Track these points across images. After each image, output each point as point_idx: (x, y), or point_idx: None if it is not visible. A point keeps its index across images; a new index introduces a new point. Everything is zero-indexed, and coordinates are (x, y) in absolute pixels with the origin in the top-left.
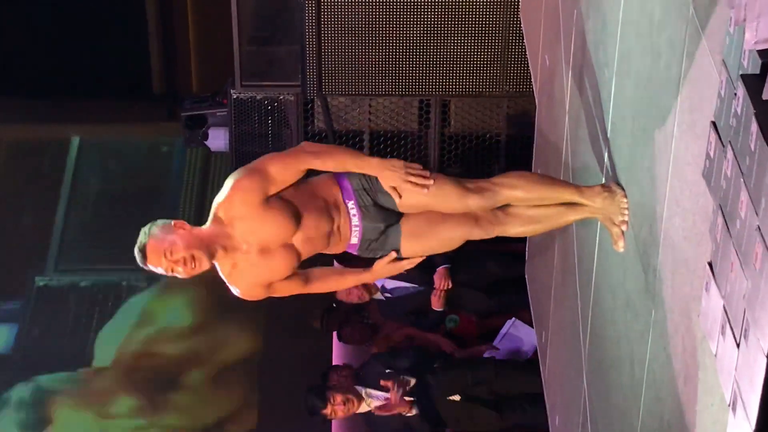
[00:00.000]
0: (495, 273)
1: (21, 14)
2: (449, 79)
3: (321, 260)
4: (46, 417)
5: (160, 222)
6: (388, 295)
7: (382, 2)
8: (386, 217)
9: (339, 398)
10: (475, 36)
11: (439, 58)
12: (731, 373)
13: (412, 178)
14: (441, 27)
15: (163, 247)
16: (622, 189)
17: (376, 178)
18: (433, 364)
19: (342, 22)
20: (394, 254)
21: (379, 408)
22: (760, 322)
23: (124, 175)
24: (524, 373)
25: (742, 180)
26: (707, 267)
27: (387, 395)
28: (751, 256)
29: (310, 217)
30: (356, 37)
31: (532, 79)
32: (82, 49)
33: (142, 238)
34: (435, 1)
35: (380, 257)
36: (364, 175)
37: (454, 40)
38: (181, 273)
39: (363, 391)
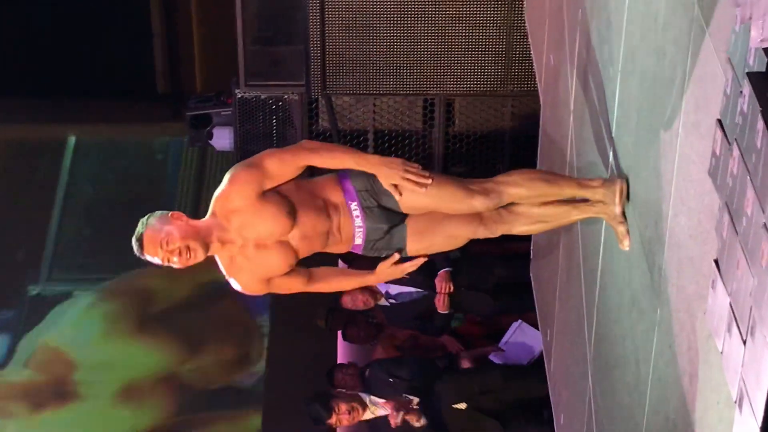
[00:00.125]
0: (499, 275)
1: (25, 14)
2: (453, 78)
3: (325, 260)
4: None
5: (158, 213)
6: (393, 300)
7: (386, 1)
8: (390, 218)
9: (344, 407)
10: (479, 35)
11: (444, 57)
12: (738, 370)
13: (411, 176)
14: (445, 26)
15: (159, 238)
16: (624, 180)
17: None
18: (437, 372)
19: (346, 21)
20: (397, 256)
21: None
22: (766, 319)
23: (119, 184)
24: (532, 381)
25: (748, 177)
26: (713, 265)
27: (388, 406)
28: (757, 254)
29: (307, 216)
30: (360, 36)
31: (537, 78)
32: (86, 48)
33: (139, 228)
34: (439, 1)
35: (385, 257)
36: (367, 177)
37: (458, 39)
38: (176, 263)
39: (367, 398)
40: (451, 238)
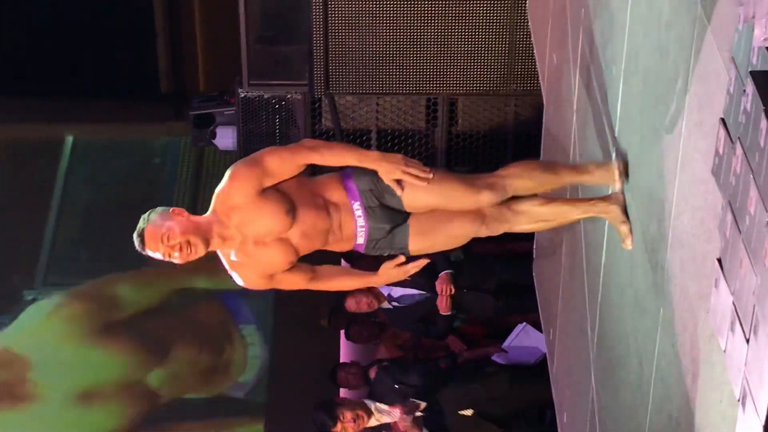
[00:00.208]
0: (501, 276)
1: (27, 13)
2: (457, 77)
3: (327, 259)
4: None
5: (159, 209)
6: (396, 303)
7: (389, 1)
8: (392, 217)
9: (349, 415)
10: (482, 34)
11: (447, 56)
12: (740, 368)
13: (411, 171)
14: (448, 25)
15: (160, 233)
16: (621, 160)
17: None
18: (443, 378)
19: (349, 20)
20: (403, 258)
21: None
22: None
23: (116, 186)
24: (538, 386)
25: (751, 176)
26: (716, 263)
27: (396, 411)
28: (760, 252)
29: (307, 214)
30: (363, 35)
31: (540, 78)
32: (89, 48)
33: (141, 224)
34: (442, 0)
35: (387, 255)
36: (371, 176)
37: (461, 38)
38: (177, 258)
39: (372, 405)
40: (453, 237)
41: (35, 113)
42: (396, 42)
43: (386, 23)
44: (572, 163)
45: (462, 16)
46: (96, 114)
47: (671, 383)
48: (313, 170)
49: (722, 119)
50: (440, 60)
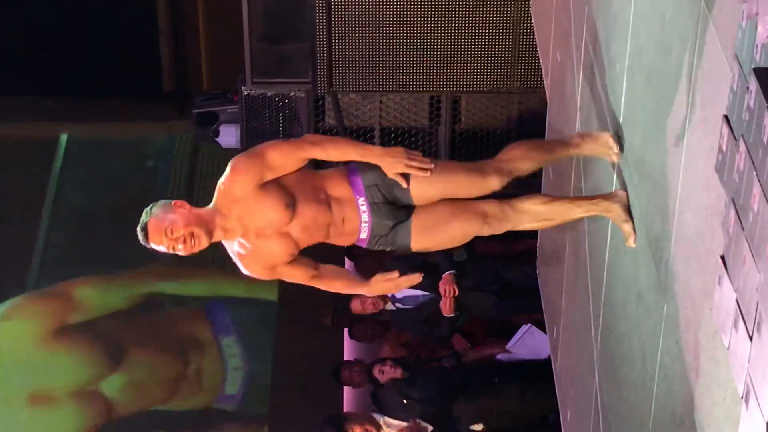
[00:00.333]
0: (505, 277)
1: (29, 12)
2: (460, 75)
3: (329, 257)
4: None
5: (161, 202)
6: (399, 304)
7: None
8: (396, 214)
9: (358, 430)
10: (486, 32)
11: (450, 54)
12: (744, 366)
13: (414, 163)
14: (452, 23)
15: (163, 226)
16: (608, 132)
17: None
18: (453, 393)
19: (352, 18)
20: (396, 273)
21: None
22: None
23: (109, 191)
24: (549, 398)
25: (754, 173)
26: (720, 261)
27: (405, 425)
28: (763, 249)
29: (307, 208)
30: (367, 33)
31: (543, 75)
32: (92, 47)
33: (143, 217)
34: None
35: (389, 251)
36: (378, 171)
37: (464, 36)
38: (181, 251)
39: (381, 419)
40: (455, 236)
41: (36, 112)
42: (399, 40)
43: (389, 21)
44: (563, 139)
45: (465, 14)
46: (98, 113)
47: (675, 380)
48: (317, 163)
49: (725, 116)
50: (443, 58)
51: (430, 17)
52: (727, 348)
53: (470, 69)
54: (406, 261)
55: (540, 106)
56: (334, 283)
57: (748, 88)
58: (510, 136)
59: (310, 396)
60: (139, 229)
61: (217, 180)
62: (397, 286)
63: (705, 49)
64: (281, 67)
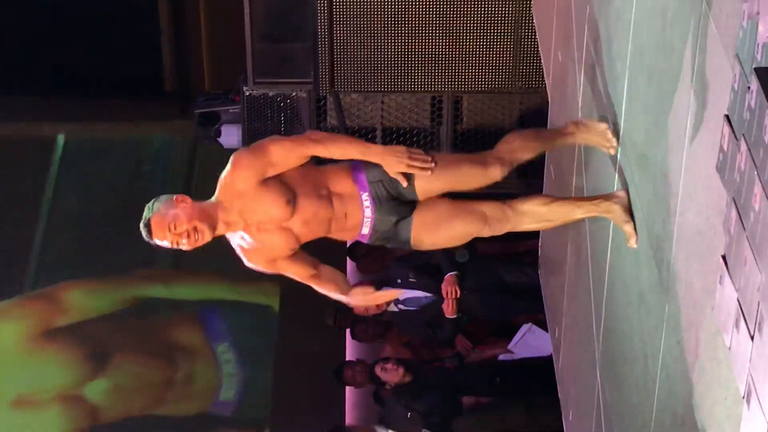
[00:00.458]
0: (507, 278)
1: (30, 12)
2: (461, 75)
3: (331, 255)
4: None
5: (162, 197)
6: (402, 306)
7: None
8: (400, 210)
9: None
10: (487, 32)
11: (452, 54)
12: (745, 365)
13: (415, 163)
14: (453, 23)
15: (167, 221)
16: (599, 121)
17: None
18: (456, 407)
19: (354, 18)
20: (371, 289)
21: None
22: None
23: (106, 193)
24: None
25: (756, 173)
26: (721, 260)
27: None
28: (765, 249)
29: (308, 203)
30: (368, 33)
31: (545, 75)
32: (93, 46)
33: (146, 213)
34: None
35: (390, 252)
36: (381, 166)
37: (466, 36)
38: (185, 245)
39: None
40: (455, 236)
41: (37, 112)
42: (401, 40)
43: (391, 21)
44: (558, 128)
45: (467, 14)
46: (98, 113)
47: (677, 380)
48: (321, 158)
49: (726, 116)
50: (445, 58)
51: (432, 17)
52: (729, 348)
53: (472, 69)
54: (408, 262)
55: (541, 106)
56: (328, 285)
57: (749, 87)
58: None
59: (312, 396)
60: (141, 225)
61: (215, 183)
62: (375, 299)
63: (706, 49)
64: (283, 67)
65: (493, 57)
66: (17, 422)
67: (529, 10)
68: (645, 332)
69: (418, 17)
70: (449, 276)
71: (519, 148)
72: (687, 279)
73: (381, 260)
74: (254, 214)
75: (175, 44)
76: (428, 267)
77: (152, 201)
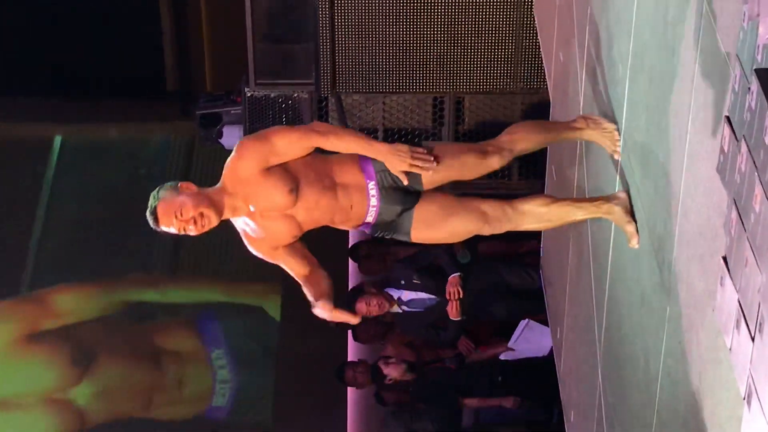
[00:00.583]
0: (509, 280)
1: (31, 13)
2: (463, 76)
3: (334, 259)
4: None
5: (167, 185)
6: (405, 307)
7: (396, 0)
8: (404, 200)
9: None
10: (489, 33)
11: (453, 55)
12: (746, 367)
13: (418, 162)
14: (455, 24)
15: (173, 208)
16: (609, 119)
17: None
18: (459, 426)
19: (356, 19)
20: (330, 307)
21: None
22: None
23: (101, 196)
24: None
25: (756, 174)
26: (722, 261)
27: None
28: (765, 250)
29: (311, 192)
30: (370, 34)
31: (546, 76)
32: (95, 47)
33: (152, 201)
34: None
35: (391, 239)
36: None
37: (468, 37)
38: (192, 231)
39: None
40: (455, 232)
41: (35, 112)
42: (402, 41)
43: (393, 22)
44: (566, 122)
45: (468, 15)
46: (100, 113)
47: (678, 381)
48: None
49: (727, 117)
50: (447, 59)
51: (433, 18)
52: (729, 349)
53: (473, 70)
54: (410, 263)
55: (543, 107)
56: (310, 287)
57: (749, 88)
58: None
59: (314, 399)
60: (148, 213)
61: (213, 184)
62: (335, 318)
63: (707, 50)
64: (284, 68)
65: (494, 58)
66: (2, 425)
67: (531, 11)
68: (646, 333)
69: (420, 18)
70: (452, 278)
71: (521, 139)
72: (688, 280)
73: (383, 262)
74: (258, 201)
75: (176, 45)
76: (432, 268)
77: (157, 189)
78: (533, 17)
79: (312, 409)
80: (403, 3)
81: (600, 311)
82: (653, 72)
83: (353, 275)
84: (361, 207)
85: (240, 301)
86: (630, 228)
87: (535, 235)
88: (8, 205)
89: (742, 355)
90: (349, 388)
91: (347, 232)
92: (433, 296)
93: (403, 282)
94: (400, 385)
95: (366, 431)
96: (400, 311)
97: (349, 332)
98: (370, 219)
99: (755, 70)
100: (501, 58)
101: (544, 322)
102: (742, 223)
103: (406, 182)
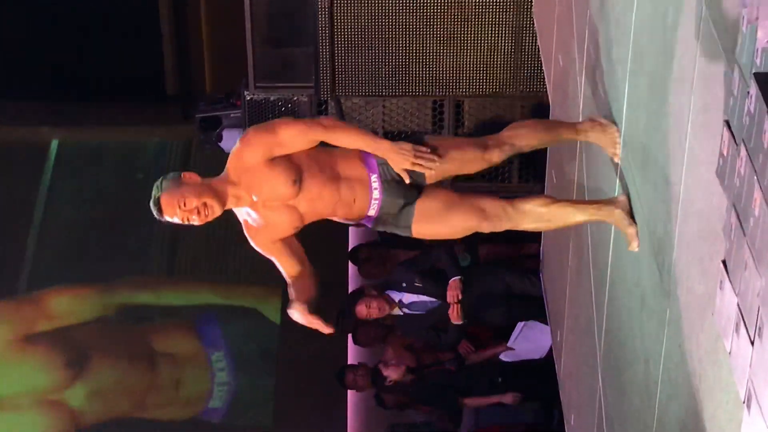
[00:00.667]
0: (510, 284)
1: (31, 16)
2: (463, 79)
3: (335, 260)
4: None
5: (170, 175)
6: (406, 310)
7: (396, 3)
8: (407, 193)
9: None
10: (488, 36)
11: (453, 58)
12: (746, 370)
13: (420, 161)
14: (454, 27)
15: (176, 199)
16: (614, 123)
17: None
18: (458, 413)
19: (355, 23)
20: (305, 311)
21: None
22: None
23: (98, 200)
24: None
25: (755, 178)
26: (721, 265)
27: None
28: (764, 254)
29: (314, 184)
30: (369, 38)
31: (546, 79)
32: (94, 50)
33: (155, 192)
34: (449, 2)
35: (391, 235)
36: None
37: (467, 40)
38: (196, 221)
39: None
40: (455, 227)
41: (34, 116)
42: (402, 44)
43: (392, 25)
44: (571, 123)
45: (468, 18)
46: (100, 117)
47: (678, 384)
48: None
49: (726, 121)
50: (446, 62)
51: (433, 21)
52: (729, 353)
53: (473, 73)
54: (412, 265)
55: (542, 110)
56: (298, 293)
57: (748, 92)
58: None
59: (315, 402)
60: (151, 203)
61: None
62: (306, 322)
63: (706, 53)
64: (284, 71)
65: (494, 61)
66: None
67: (530, 14)
68: (646, 336)
69: (420, 21)
70: (453, 281)
71: (523, 135)
72: (688, 283)
73: (383, 265)
74: (261, 191)
75: (176, 48)
76: (433, 272)
77: (160, 180)
78: (533, 20)
79: (312, 411)
80: (402, 6)
81: (600, 314)
82: (653, 75)
83: (353, 278)
84: (364, 200)
85: (239, 304)
86: (630, 231)
87: (535, 238)
88: (5, 209)
89: (741, 359)
90: (350, 393)
91: (347, 234)
92: (434, 300)
93: (404, 285)
94: (400, 387)
95: None
96: (402, 313)
97: (350, 336)
98: (372, 212)
99: (754, 74)
100: (500, 61)
101: (544, 323)
102: (742, 226)
103: (408, 181)
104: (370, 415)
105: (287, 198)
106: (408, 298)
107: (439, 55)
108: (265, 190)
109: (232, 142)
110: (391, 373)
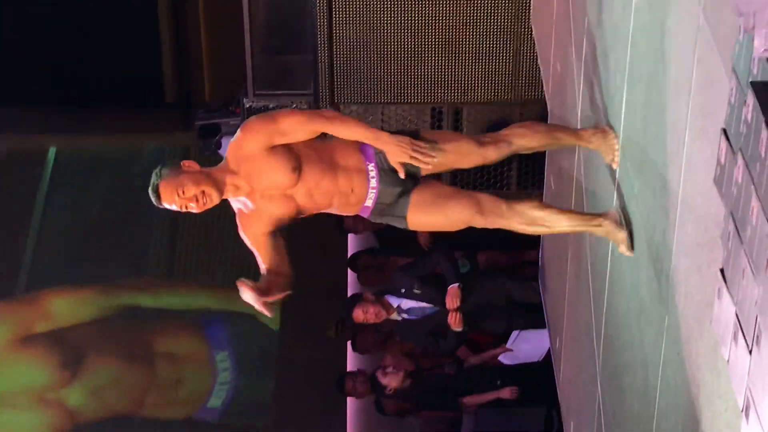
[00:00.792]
0: (510, 291)
1: (30, 19)
2: (461, 86)
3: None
4: None
5: (169, 163)
6: (405, 316)
7: (394, 10)
8: (403, 182)
9: None
10: (487, 43)
11: (451, 65)
12: (744, 378)
13: (418, 155)
14: (453, 34)
15: (175, 186)
16: (614, 131)
17: None
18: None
19: (354, 30)
20: (261, 302)
21: None
22: None
23: (96, 206)
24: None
25: (753, 187)
26: (719, 273)
27: None
28: (762, 263)
29: (312, 173)
30: (368, 45)
31: (544, 86)
32: (93, 57)
33: (154, 179)
34: (447, 10)
35: (387, 224)
36: None
37: (466, 47)
38: (194, 208)
39: None
40: (449, 218)
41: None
42: (401, 51)
43: (391, 32)
44: (573, 128)
45: (466, 25)
46: (99, 124)
47: (677, 391)
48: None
49: (723, 129)
50: (445, 69)
51: (432, 29)
52: (727, 361)
53: (472, 80)
54: (410, 270)
55: (541, 117)
56: (266, 282)
57: (745, 101)
58: None
59: (314, 408)
60: (150, 190)
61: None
62: (255, 302)
63: (704, 62)
64: (283, 78)
65: (492, 68)
66: None
67: (529, 21)
68: (645, 343)
69: (418, 28)
70: (452, 288)
71: (522, 134)
72: (686, 291)
73: (382, 273)
74: (260, 180)
75: (175, 56)
76: (432, 278)
77: (158, 167)
78: (531, 27)
79: (311, 416)
80: (401, 13)
81: (598, 320)
82: (651, 82)
83: (352, 285)
84: (362, 190)
85: (238, 309)
86: (621, 236)
87: (534, 245)
88: (3, 216)
89: (739, 367)
90: (349, 399)
91: (347, 242)
92: (432, 306)
93: (403, 291)
94: (399, 393)
95: None
96: (400, 319)
97: (349, 343)
98: (369, 203)
99: (751, 83)
100: (499, 67)
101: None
102: (739, 235)
103: (402, 175)
104: (370, 420)
105: (286, 187)
106: (406, 303)
107: (438, 62)
108: (264, 178)
109: None
110: (390, 382)
